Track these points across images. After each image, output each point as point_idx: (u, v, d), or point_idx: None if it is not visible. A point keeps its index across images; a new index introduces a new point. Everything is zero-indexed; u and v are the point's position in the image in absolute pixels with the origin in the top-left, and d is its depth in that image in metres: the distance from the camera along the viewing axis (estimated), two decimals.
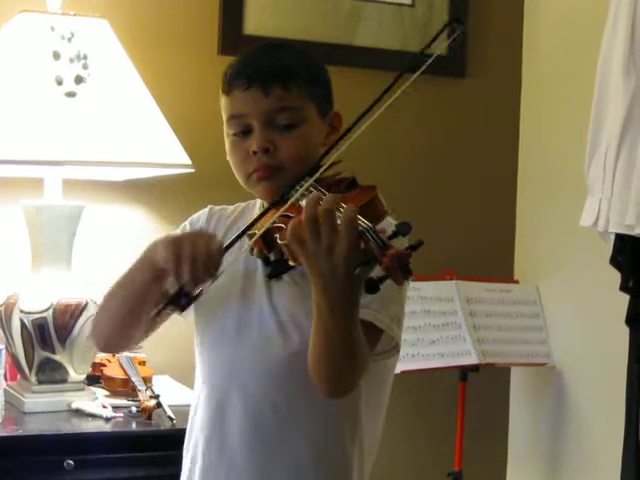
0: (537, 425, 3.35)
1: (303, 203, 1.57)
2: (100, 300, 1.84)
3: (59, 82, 2.43)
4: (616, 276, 2.75)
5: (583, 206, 2.81)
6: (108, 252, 2.84)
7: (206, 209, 1.89)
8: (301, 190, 1.60)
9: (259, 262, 1.71)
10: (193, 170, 2.63)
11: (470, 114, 3.40)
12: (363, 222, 1.38)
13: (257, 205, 1.84)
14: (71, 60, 2.45)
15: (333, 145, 1.65)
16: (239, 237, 1.62)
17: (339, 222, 1.39)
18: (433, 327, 3.06)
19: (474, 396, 3.16)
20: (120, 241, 2.87)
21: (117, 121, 2.49)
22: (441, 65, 3.28)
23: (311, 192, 1.58)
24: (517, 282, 3.38)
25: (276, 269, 1.64)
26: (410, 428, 3.33)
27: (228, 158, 1.77)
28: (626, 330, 2.78)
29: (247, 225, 1.63)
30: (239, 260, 1.72)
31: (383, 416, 1.82)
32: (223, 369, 1.74)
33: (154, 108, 2.60)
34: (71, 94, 2.44)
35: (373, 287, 1.36)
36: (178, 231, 1.86)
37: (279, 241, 1.53)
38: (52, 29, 2.47)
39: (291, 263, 1.53)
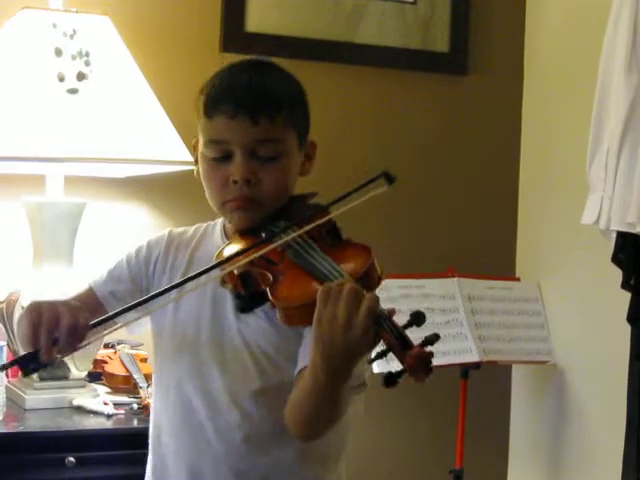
0: (538, 422, 3.35)
1: (289, 253, 1.56)
2: None
3: (61, 79, 2.43)
4: (618, 274, 2.75)
5: (585, 204, 2.82)
6: (109, 249, 2.84)
7: (165, 232, 1.85)
8: (287, 239, 1.58)
9: (227, 292, 1.66)
10: (194, 167, 2.63)
11: (472, 112, 3.39)
12: (382, 311, 1.38)
13: (217, 229, 1.81)
14: (73, 57, 2.45)
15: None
16: (113, 316, 1.60)
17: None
18: (434, 325, 3.05)
19: (475, 394, 3.16)
20: (122, 238, 2.87)
21: (119, 118, 2.49)
22: (443, 62, 3.30)
23: (299, 242, 1.57)
24: (519, 280, 3.38)
25: (249, 304, 1.60)
26: (411, 425, 3.33)
27: (202, 180, 1.73)
28: (628, 328, 2.78)
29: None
30: (206, 287, 1.70)
31: (351, 434, 1.79)
32: (197, 398, 1.70)
33: (156, 105, 2.60)
34: (73, 91, 2.44)
35: (391, 382, 1.36)
36: (132, 251, 1.83)
37: (272, 299, 1.51)
38: (54, 26, 2.47)
39: (279, 321, 1.52)
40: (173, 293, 1.64)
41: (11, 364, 1.57)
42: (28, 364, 1.57)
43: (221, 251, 1.66)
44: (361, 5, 3.20)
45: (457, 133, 3.37)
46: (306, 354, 1.59)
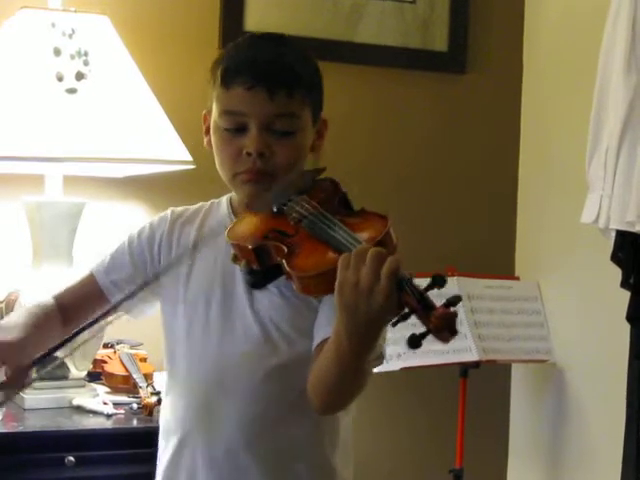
0: (538, 421, 3.35)
1: (304, 225, 1.55)
2: None
3: (60, 78, 2.43)
4: (617, 273, 2.75)
5: (584, 203, 2.81)
6: (109, 249, 2.83)
7: (167, 212, 1.85)
8: (301, 210, 1.57)
9: (237, 269, 1.66)
10: (194, 166, 2.63)
11: (471, 110, 3.39)
12: (404, 274, 1.36)
13: (224, 205, 1.81)
14: (72, 57, 2.45)
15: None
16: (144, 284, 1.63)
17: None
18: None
19: (475, 393, 3.16)
20: (121, 238, 2.86)
21: (118, 117, 2.49)
22: (442, 61, 3.30)
23: (306, 209, 1.56)
24: (518, 279, 3.38)
25: (262, 280, 1.59)
26: (411, 425, 3.33)
27: (214, 150, 1.73)
28: (627, 326, 2.78)
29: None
30: (216, 264, 1.71)
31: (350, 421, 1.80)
32: (207, 378, 1.71)
33: (155, 104, 2.60)
34: (72, 90, 2.44)
35: (415, 343, 1.34)
36: (134, 233, 1.85)
37: (289, 270, 1.50)
38: (53, 25, 2.47)
39: (296, 290, 1.50)
40: (184, 268, 1.67)
41: None
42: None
43: (232, 227, 1.65)
44: (360, 4, 3.20)
45: (456, 132, 3.37)
46: (322, 326, 1.60)
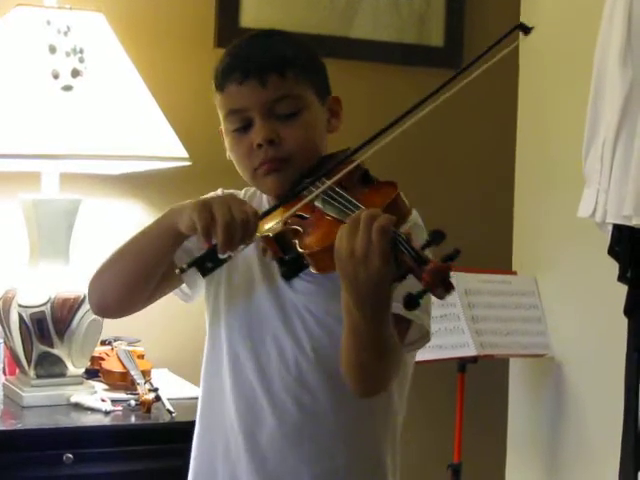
0: (536, 416, 3.36)
1: (319, 204, 1.54)
2: (102, 263, 1.81)
3: (55, 76, 2.43)
4: (614, 266, 2.75)
5: (581, 197, 2.82)
6: (106, 245, 2.83)
7: (218, 192, 1.83)
8: (317, 192, 1.56)
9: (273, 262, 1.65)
10: (190, 163, 2.63)
11: (467, 105, 3.39)
12: (396, 232, 1.35)
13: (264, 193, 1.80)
14: (67, 54, 2.45)
15: (355, 150, 1.61)
16: (275, 207, 1.59)
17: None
18: (431, 319, 3.05)
19: (473, 388, 3.16)
20: (117, 234, 2.86)
21: (114, 114, 2.49)
22: (438, 57, 3.30)
23: (327, 192, 1.55)
24: (515, 273, 3.38)
25: (293, 270, 1.58)
26: (409, 420, 3.30)
27: (229, 155, 1.73)
28: (624, 320, 2.78)
29: (273, 206, 1.60)
30: (252, 256, 1.70)
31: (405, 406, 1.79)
32: (247, 368, 1.70)
33: (151, 101, 2.60)
34: (67, 88, 2.44)
35: (413, 304, 1.31)
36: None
37: (300, 249, 1.50)
38: (48, 23, 2.46)
39: (312, 270, 1.49)
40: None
41: (189, 266, 1.52)
42: (205, 263, 1.52)
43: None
44: (355, 0, 3.20)
45: (452, 127, 3.37)
46: None
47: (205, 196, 1.68)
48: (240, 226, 1.51)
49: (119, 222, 2.89)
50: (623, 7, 2.67)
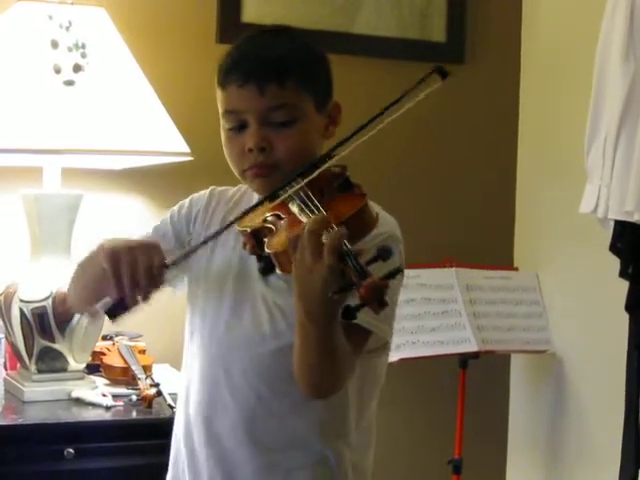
0: (537, 412, 3.36)
1: (294, 208, 1.56)
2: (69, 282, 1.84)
3: (57, 71, 2.43)
4: (616, 262, 2.75)
5: (582, 193, 2.81)
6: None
7: (207, 190, 1.87)
8: (290, 191, 1.58)
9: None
10: (192, 158, 2.63)
11: (469, 101, 3.39)
12: (347, 246, 1.37)
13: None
14: (69, 49, 2.45)
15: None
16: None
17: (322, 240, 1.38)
18: (433, 315, 3.06)
19: (474, 383, 3.16)
20: (119, 229, 2.86)
21: (115, 109, 2.49)
22: (440, 52, 3.30)
23: (300, 195, 1.56)
24: (517, 269, 3.38)
25: (267, 266, 1.62)
26: (410, 416, 3.33)
27: (224, 151, 1.75)
28: (626, 316, 2.78)
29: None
30: (235, 248, 1.73)
31: (375, 406, 1.81)
32: (212, 358, 1.74)
33: (152, 96, 2.60)
34: (69, 83, 2.44)
35: (349, 315, 1.36)
36: (176, 208, 1.86)
37: (266, 249, 1.53)
38: (50, 18, 2.46)
39: (277, 270, 1.52)
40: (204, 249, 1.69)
41: (103, 313, 1.57)
42: (115, 312, 1.58)
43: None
44: None
45: (454, 122, 3.37)
46: None
47: (116, 243, 1.65)
48: (144, 277, 1.55)
49: (121, 217, 2.90)
50: (625, 2, 2.67)
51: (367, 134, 1.60)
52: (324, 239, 1.38)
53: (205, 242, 1.65)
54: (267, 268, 1.63)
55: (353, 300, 1.36)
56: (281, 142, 1.67)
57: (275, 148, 1.67)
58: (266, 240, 1.55)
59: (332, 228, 1.40)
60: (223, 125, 1.73)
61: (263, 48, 1.70)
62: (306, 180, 1.58)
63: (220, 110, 1.73)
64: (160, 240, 1.79)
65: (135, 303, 1.58)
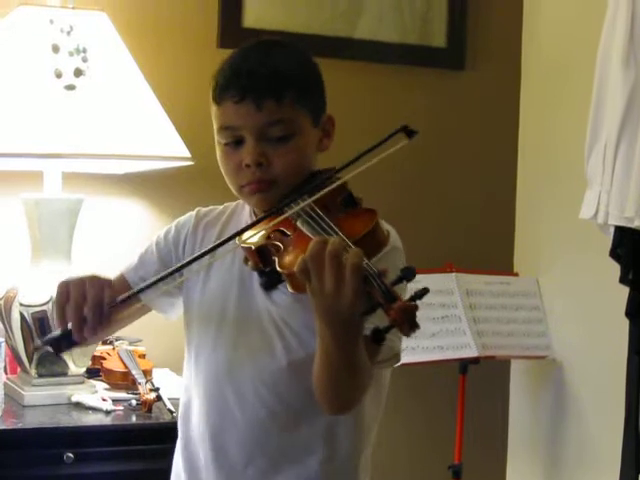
0: (537, 417, 3.36)
1: (299, 223, 1.56)
2: None
3: (58, 75, 2.43)
4: (616, 268, 2.75)
5: (583, 198, 2.81)
6: (108, 245, 2.84)
7: (193, 213, 1.85)
8: (297, 208, 1.57)
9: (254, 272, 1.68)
10: (192, 163, 2.63)
11: (469, 106, 3.39)
12: (369, 267, 1.37)
13: (247, 207, 1.81)
14: (70, 53, 2.45)
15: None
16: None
17: (344, 262, 1.37)
18: (433, 320, 3.06)
19: (474, 389, 3.16)
20: (120, 234, 2.87)
21: (116, 114, 2.49)
22: (440, 57, 3.30)
23: (307, 212, 1.56)
24: (517, 275, 3.38)
25: (271, 281, 1.62)
26: (410, 421, 3.33)
27: (220, 166, 1.74)
28: (626, 322, 2.78)
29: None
30: (234, 265, 1.72)
31: (381, 411, 1.81)
32: (218, 374, 1.72)
33: (153, 101, 2.60)
34: (70, 87, 2.44)
35: (379, 338, 1.35)
36: (161, 234, 1.85)
37: (278, 268, 1.52)
38: (51, 22, 2.46)
39: (289, 288, 1.51)
40: (195, 267, 1.67)
41: (44, 344, 1.58)
42: (60, 344, 1.60)
43: (242, 229, 1.66)
44: (358, 1, 3.20)
45: (455, 128, 3.37)
46: None
47: (72, 277, 1.67)
48: (91, 313, 1.56)
49: (121, 221, 2.90)
50: (626, 8, 2.67)
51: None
52: (344, 259, 1.37)
53: (190, 263, 1.62)
54: (270, 284, 1.63)
55: (379, 319, 1.36)
56: (278, 158, 1.66)
57: (272, 163, 1.66)
58: (276, 259, 1.53)
59: (350, 248, 1.39)
60: (218, 140, 1.72)
61: (258, 63, 1.68)
62: (313, 198, 1.57)
63: (215, 126, 1.72)
64: (146, 268, 1.81)
65: (81, 338, 1.58)
